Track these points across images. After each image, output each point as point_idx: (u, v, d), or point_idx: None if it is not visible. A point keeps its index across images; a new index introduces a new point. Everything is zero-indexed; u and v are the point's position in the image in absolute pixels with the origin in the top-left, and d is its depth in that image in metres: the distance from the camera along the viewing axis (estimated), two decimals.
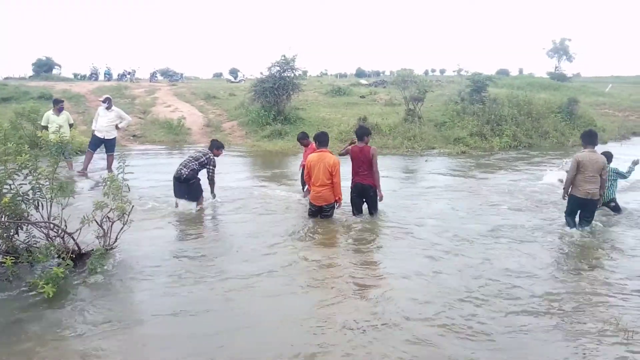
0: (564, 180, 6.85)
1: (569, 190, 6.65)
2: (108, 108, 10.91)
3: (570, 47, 42.50)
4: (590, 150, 6.53)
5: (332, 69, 59.44)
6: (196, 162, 7.59)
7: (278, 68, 17.94)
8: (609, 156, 7.69)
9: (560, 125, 19.04)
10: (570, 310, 4.27)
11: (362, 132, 7.33)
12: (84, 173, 10.47)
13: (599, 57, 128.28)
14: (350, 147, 7.39)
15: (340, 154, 7.49)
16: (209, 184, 7.82)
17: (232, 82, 34.76)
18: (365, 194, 7.25)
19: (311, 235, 6.48)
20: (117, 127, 11.04)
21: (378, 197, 7.26)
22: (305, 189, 8.20)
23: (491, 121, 17.69)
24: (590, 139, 6.60)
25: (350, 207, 7.35)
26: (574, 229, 6.63)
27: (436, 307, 4.30)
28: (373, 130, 15.95)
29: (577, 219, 6.74)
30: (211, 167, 7.73)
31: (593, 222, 6.76)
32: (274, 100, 17.68)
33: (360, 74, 52.32)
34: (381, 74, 49.43)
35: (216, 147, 7.95)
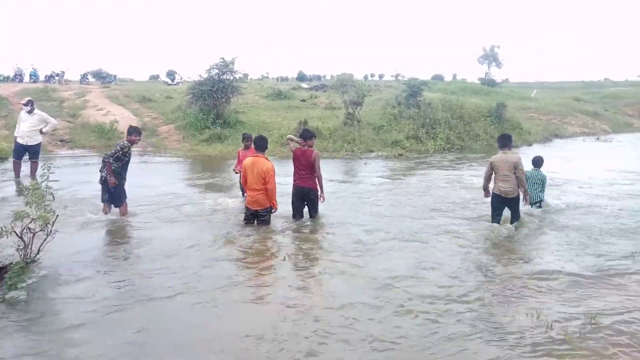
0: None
1: (492, 189, 7.14)
2: (30, 112, 10.23)
3: (499, 54, 44.85)
4: (503, 152, 7.02)
5: (274, 73, 59.25)
6: (110, 157, 7.04)
7: (217, 71, 17.65)
8: (538, 161, 8.23)
9: (490, 128, 20.06)
10: (492, 305, 4.47)
11: (307, 135, 7.35)
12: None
13: (525, 64, 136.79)
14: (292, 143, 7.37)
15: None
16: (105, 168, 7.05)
17: (170, 84, 33.74)
18: (306, 197, 7.29)
19: (242, 239, 6.40)
20: (41, 131, 10.37)
21: (320, 200, 7.33)
22: (244, 195, 8.12)
23: (426, 124, 18.36)
24: (503, 141, 7.11)
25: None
26: (495, 224, 7.04)
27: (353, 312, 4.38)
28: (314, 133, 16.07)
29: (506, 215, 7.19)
30: (117, 149, 7.09)
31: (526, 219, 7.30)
32: (213, 103, 17.38)
33: (301, 77, 52.56)
34: (322, 78, 49.94)
35: (129, 132, 7.32)
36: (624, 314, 4.20)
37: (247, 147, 8.45)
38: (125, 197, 7.33)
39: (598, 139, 22.69)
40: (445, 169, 13.30)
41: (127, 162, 7.27)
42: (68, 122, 17.57)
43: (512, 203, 7.06)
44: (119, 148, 7.13)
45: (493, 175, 7.12)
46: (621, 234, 6.78)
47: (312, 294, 4.76)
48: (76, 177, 10.38)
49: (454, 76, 49.60)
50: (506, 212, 7.15)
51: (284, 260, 5.74)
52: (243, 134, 9.25)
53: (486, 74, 44.69)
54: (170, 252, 5.81)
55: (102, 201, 7.27)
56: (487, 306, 4.43)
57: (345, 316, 4.18)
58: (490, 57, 44.67)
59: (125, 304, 4.42)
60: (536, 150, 16.41)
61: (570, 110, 28.79)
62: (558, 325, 3.96)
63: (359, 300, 4.50)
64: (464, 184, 10.68)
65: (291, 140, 7.48)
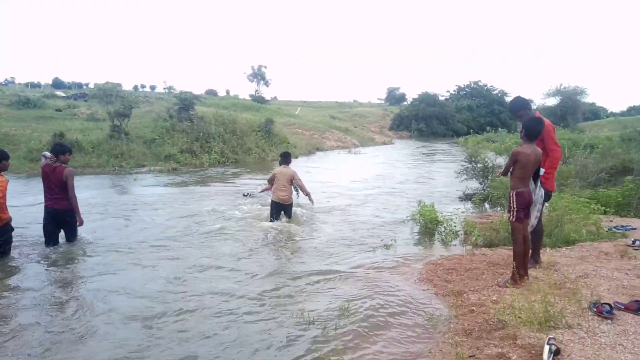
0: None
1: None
2: None
3: (267, 73, 48.13)
4: (284, 167, 8.24)
5: (22, 77, 50.71)
6: None
7: None
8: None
9: (261, 142, 21.24)
10: (262, 305, 4.71)
11: (59, 150, 6.45)
12: None
13: (291, 83, 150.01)
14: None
15: None
16: None
17: None
18: (61, 219, 6.41)
19: None
20: None
21: (77, 222, 6.52)
22: None
23: (200, 138, 18.32)
24: (284, 158, 8.47)
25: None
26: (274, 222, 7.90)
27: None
28: (73, 147, 14.35)
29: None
30: None
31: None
32: None
33: (58, 84, 46.41)
34: (84, 87, 45.03)
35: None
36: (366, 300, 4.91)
37: None
38: None
39: (350, 151, 26.27)
40: (220, 181, 13.45)
41: None
42: None
43: (287, 208, 8.18)
44: None
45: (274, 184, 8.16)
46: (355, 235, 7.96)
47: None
48: None
49: (227, 92, 51.00)
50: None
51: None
52: None
53: (256, 91, 47.34)
54: None
55: None
56: (259, 308, 4.62)
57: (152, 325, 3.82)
58: (259, 76, 47.56)
59: None
60: (303, 162, 18.11)
61: (327, 126, 32.65)
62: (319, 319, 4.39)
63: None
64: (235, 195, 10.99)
65: (45, 157, 6.47)
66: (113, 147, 15.84)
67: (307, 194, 8.41)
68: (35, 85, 43.65)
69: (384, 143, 34.00)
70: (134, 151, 16.14)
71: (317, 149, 25.81)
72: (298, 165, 10.31)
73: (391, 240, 6.96)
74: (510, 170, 4.71)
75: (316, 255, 6.39)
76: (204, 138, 18.46)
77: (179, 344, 3.87)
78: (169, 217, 8.53)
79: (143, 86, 55.37)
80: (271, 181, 8.36)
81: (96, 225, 7.63)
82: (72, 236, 6.53)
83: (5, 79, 45.65)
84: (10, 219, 5.84)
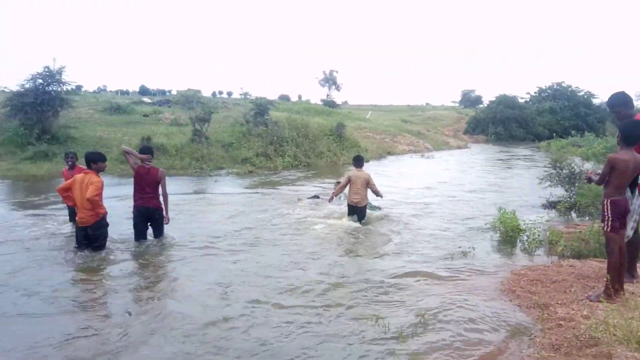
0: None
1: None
2: None
3: (338, 78, 48.46)
4: (357, 170, 8.48)
5: (112, 85, 55.00)
6: None
7: (41, 81, 15.72)
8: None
9: (332, 146, 21.44)
10: (335, 306, 4.73)
11: (149, 151, 7.01)
12: None
13: (361, 87, 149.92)
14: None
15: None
16: None
17: None
18: (150, 217, 6.88)
19: (77, 262, 5.80)
20: None
21: (165, 221, 6.97)
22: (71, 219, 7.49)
23: (274, 142, 18.85)
24: (357, 162, 8.64)
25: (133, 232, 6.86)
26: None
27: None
28: (158, 150, 15.34)
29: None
30: None
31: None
32: (37, 117, 15.41)
33: (144, 91, 49.78)
34: (167, 93, 47.94)
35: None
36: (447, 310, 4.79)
37: (72, 167, 7.50)
38: None
39: (422, 155, 25.75)
40: (295, 184, 13.75)
41: None
42: None
43: (361, 211, 8.39)
44: None
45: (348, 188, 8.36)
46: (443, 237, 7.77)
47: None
48: None
49: (300, 97, 51.98)
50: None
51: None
52: (65, 152, 7.96)
53: (327, 95, 47.80)
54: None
55: None
56: (330, 311, 4.65)
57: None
58: (330, 81, 47.98)
59: None
60: (374, 166, 18.03)
61: (399, 130, 32.23)
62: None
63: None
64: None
65: (128, 153, 6.91)
66: (194, 150, 16.74)
67: (380, 196, 8.60)
68: (124, 93, 47.16)
69: (459, 147, 32.91)
70: (213, 154, 16.95)
71: (388, 153, 25.54)
72: (369, 169, 10.21)
73: (469, 248, 6.71)
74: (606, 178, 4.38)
75: (390, 261, 6.34)
76: (277, 142, 18.97)
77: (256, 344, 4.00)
78: (247, 218, 8.86)
79: (220, 92, 57.90)
80: (344, 185, 8.47)
81: (180, 224, 8.09)
82: (159, 233, 6.98)
83: (98, 87, 49.83)
84: (105, 214, 6.33)
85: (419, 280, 5.48)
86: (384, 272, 5.82)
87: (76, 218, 6.28)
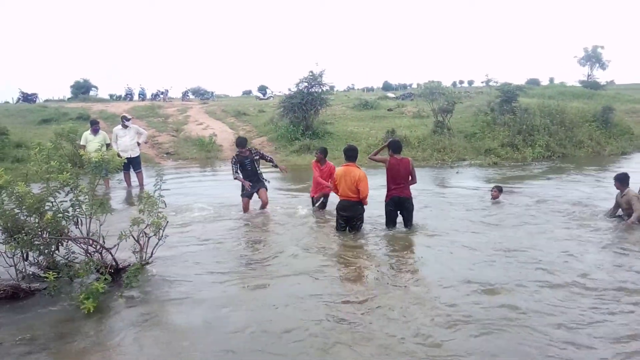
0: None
1: None
2: (126, 126, 11.20)
3: (604, 54, 41.46)
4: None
5: (359, 83, 59.68)
6: (232, 164, 8.68)
7: (306, 84, 18.15)
8: (622, 179, 7.43)
9: (595, 134, 18.55)
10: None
11: (398, 145, 7.36)
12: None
13: (633, 63, 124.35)
14: (384, 154, 7.56)
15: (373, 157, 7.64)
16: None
17: (261, 99, 35.30)
18: (402, 206, 7.24)
19: (338, 246, 6.49)
20: (138, 143, 11.36)
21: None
22: (316, 205, 8.45)
23: (523, 131, 17.39)
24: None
25: (385, 220, 7.34)
26: None
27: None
28: (403, 142, 15.91)
29: None
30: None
31: None
32: (302, 115, 17.87)
33: (387, 87, 52.40)
34: (408, 87, 49.31)
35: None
36: None
37: (319, 160, 8.48)
38: (264, 188, 8.55)
39: None
40: (546, 178, 12.42)
41: (245, 166, 8.43)
42: (172, 136, 19.08)
43: None
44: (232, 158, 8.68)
45: None
46: None
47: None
48: (180, 185, 11.20)
49: (551, 80, 46.22)
50: None
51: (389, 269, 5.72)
52: (320, 149, 8.87)
53: (588, 76, 41.47)
54: (276, 253, 6.10)
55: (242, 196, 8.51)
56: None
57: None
58: (593, 58, 41.44)
59: (231, 304, 4.67)
60: None
61: None
62: None
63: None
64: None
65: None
66: (436, 141, 16.80)
67: None
68: (369, 89, 50.48)
69: None
70: (455, 145, 16.69)
71: None
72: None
73: None
74: None
75: None
76: (527, 131, 17.43)
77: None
78: (488, 209, 8.45)
79: (461, 82, 56.42)
80: None
81: (425, 213, 8.26)
82: (409, 222, 7.30)
83: (347, 86, 54.41)
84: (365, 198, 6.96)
85: None
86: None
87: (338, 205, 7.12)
